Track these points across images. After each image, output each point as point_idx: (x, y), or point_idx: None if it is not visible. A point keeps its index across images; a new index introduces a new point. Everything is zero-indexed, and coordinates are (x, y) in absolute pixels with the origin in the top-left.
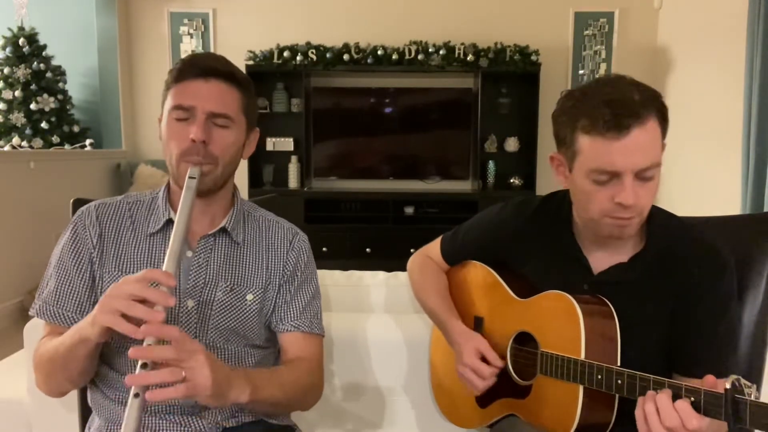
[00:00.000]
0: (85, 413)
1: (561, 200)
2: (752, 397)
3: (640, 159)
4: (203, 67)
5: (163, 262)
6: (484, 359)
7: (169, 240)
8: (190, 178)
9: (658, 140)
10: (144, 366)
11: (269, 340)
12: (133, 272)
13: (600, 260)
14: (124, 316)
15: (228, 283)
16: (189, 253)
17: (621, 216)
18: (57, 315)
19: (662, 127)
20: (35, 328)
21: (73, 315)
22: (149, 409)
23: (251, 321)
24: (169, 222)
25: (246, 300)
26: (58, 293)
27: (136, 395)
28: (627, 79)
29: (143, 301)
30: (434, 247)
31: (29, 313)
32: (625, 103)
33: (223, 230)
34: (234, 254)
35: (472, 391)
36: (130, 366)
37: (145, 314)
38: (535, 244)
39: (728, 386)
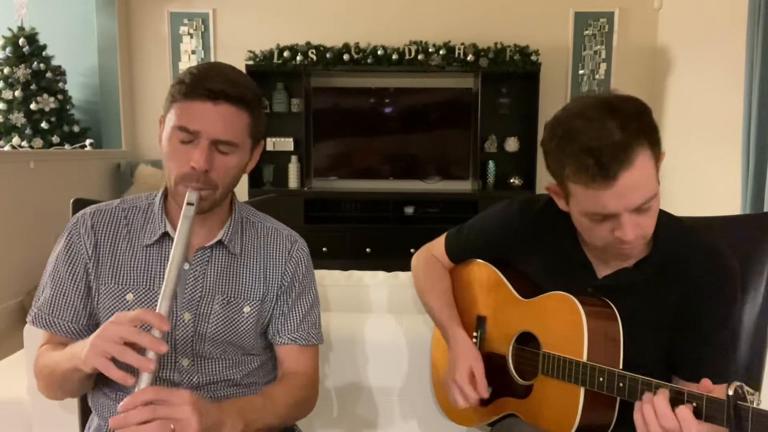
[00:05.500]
0: (85, 413)
1: None
2: (755, 404)
3: (634, 199)
4: (213, 88)
5: (159, 275)
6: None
7: (165, 253)
8: (188, 204)
9: (650, 172)
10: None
11: (266, 348)
12: (129, 284)
13: (604, 265)
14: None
15: (225, 295)
16: (186, 265)
17: (623, 246)
18: (52, 324)
19: (654, 153)
20: (35, 329)
21: (69, 324)
22: None
23: (248, 333)
24: (165, 235)
25: (243, 312)
26: (52, 303)
27: None
28: (607, 104)
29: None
30: (439, 245)
31: (26, 319)
32: (607, 148)
33: (220, 242)
34: (231, 266)
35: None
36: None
37: (135, 362)
38: (540, 243)
39: (731, 393)
